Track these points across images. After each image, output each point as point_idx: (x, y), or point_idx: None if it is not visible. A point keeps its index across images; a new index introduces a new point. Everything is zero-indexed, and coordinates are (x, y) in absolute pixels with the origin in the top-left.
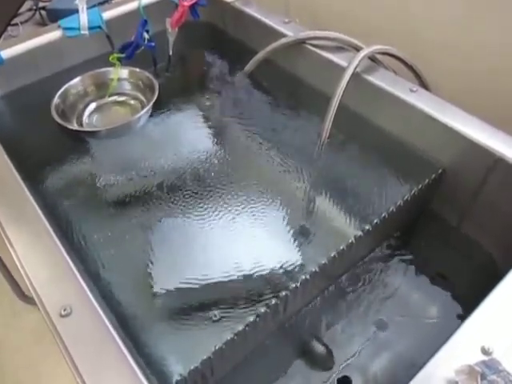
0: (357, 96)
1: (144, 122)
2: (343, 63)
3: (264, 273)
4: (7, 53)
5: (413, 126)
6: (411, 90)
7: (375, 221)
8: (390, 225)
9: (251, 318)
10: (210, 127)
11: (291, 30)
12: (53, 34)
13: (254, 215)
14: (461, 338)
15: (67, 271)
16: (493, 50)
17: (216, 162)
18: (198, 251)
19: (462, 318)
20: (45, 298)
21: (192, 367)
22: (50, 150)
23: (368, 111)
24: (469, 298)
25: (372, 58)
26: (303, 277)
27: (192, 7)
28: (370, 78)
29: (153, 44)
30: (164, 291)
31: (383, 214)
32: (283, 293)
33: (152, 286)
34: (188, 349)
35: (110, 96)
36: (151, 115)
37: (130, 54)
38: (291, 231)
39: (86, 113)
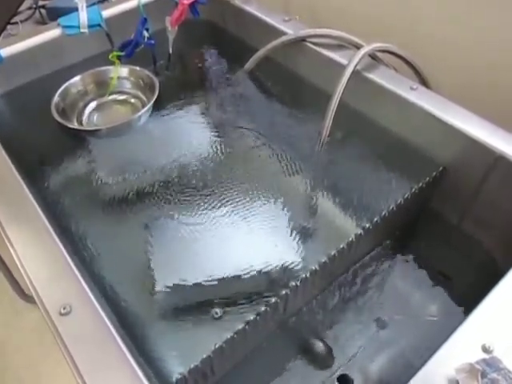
0: (357, 94)
1: (144, 121)
2: (343, 61)
3: (264, 271)
4: (7, 51)
5: (413, 124)
6: (411, 88)
7: (376, 219)
8: (390, 223)
9: (251, 317)
10: (210, 125)
11: (291, 28)
12: (52, 33)
13: (254, 213)
14: (461, 337)
15: (67, 270)
16: (492, 46)
17: (216, 160)
18: (198, 249)
19: (463, 316)
20: (44, 297)
21: (192, 366)
22: (50, 148)
23: (368, 109)
24: (469, 296)
25: (372, 56)
26: (303, 275)
27: (192, 5)
28: (371, 76)
29: (152, 42)
30: (164, 289)
31: (384, 213)
32: (283, 291)
33: (152, 285)
34: (188, 347)
35: (110, 95)
36: (151, 114)
37: (129, 52)
38: (291, 229)
39: (86, 111)
